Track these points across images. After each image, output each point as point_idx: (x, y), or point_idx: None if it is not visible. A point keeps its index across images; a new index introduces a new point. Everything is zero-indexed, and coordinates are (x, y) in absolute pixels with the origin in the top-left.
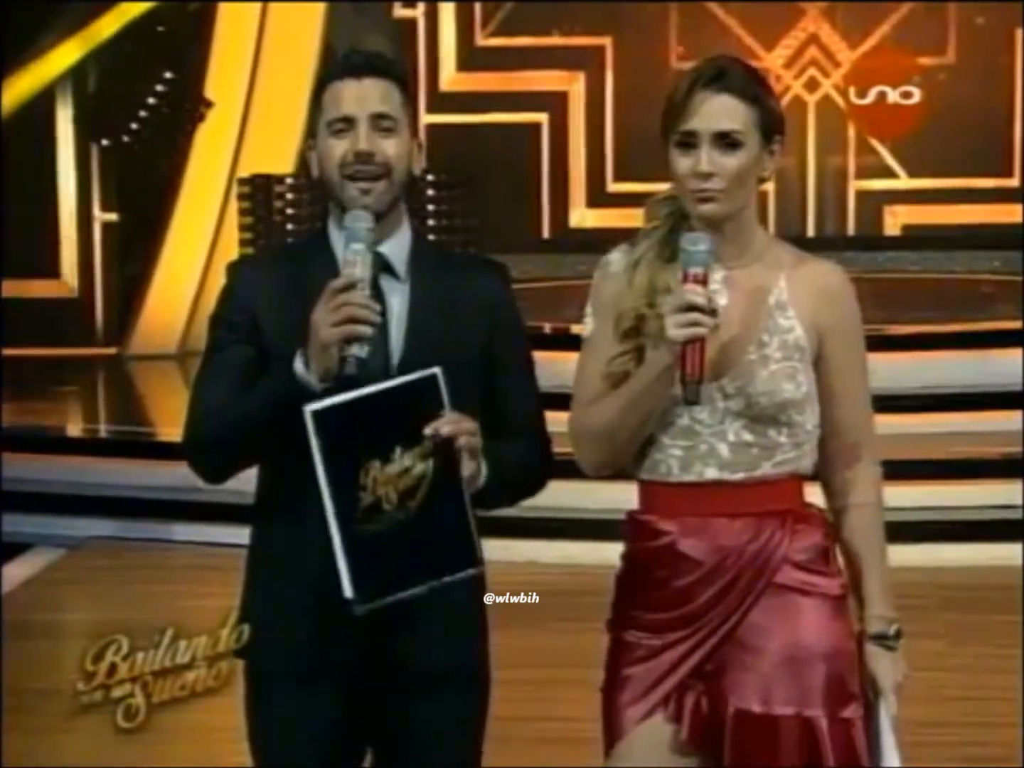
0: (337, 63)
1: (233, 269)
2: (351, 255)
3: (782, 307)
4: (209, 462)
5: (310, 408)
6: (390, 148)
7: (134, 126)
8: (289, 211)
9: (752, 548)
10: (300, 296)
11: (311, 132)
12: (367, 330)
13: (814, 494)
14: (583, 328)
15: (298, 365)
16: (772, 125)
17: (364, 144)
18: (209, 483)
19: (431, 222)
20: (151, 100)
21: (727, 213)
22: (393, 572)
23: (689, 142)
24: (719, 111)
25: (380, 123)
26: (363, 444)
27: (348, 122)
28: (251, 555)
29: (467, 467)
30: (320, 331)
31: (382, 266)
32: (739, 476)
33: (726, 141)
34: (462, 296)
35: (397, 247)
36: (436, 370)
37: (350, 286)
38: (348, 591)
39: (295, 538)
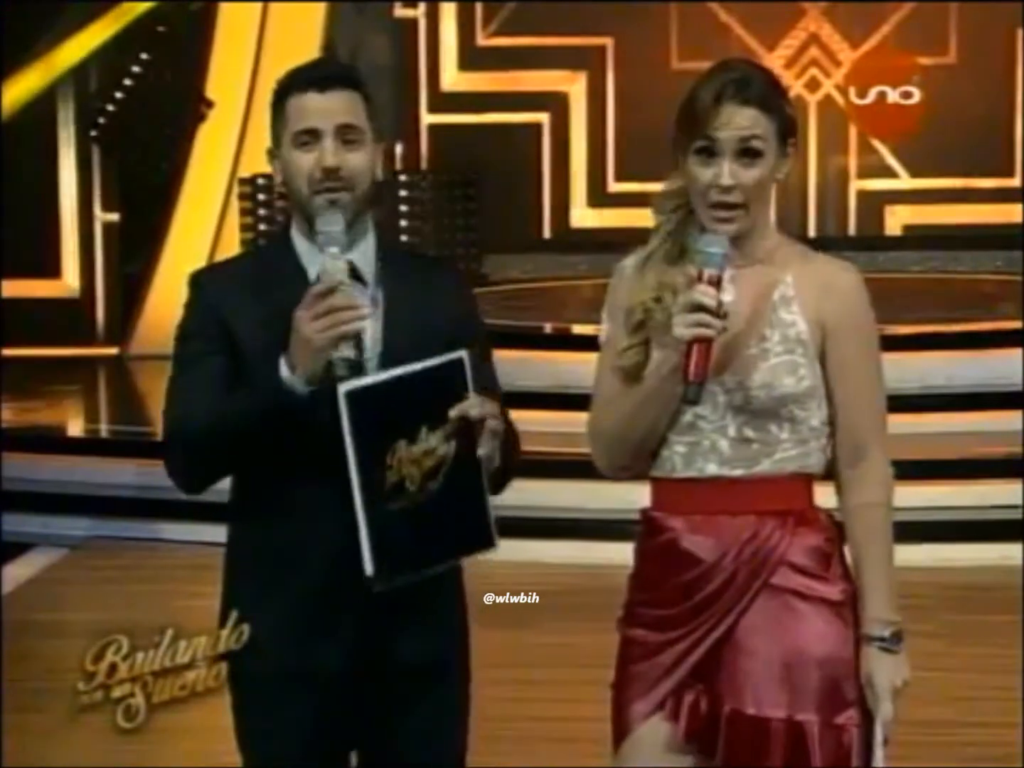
0: (298, 73)
1: (196, 279)
2: (327, 259)
3: (786, 302)
4: (190, 471)
5: (344, 388)
6: (355, 160)
7: (134, 126)
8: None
9: (750, 548)
10: (269, 302)
11: (274, 140)
12: (357, 326)
13: (826, 495)
14: (600, 332)
15: (284, 371)
16: (787, 130)
17: (331, 160)
18: (188, 493)
19: (432, 222)
20: (152, 100)
21: (743, 230)
22: (412, 551)
23: (711, 152)
24: (743, 124)
25: (345, 135)
26: (391, 424)
27: (313, 135)
28: (233, 555)
29: (488, 447)
30: (307, 336)
31: (350, 274)
32: (738, 472)
33: (748, 153)
34: (427, 296)
35: (364, 254)
36: (462, 353)
37: (331, 290)
38: (369, 569)
39: (285, 538)
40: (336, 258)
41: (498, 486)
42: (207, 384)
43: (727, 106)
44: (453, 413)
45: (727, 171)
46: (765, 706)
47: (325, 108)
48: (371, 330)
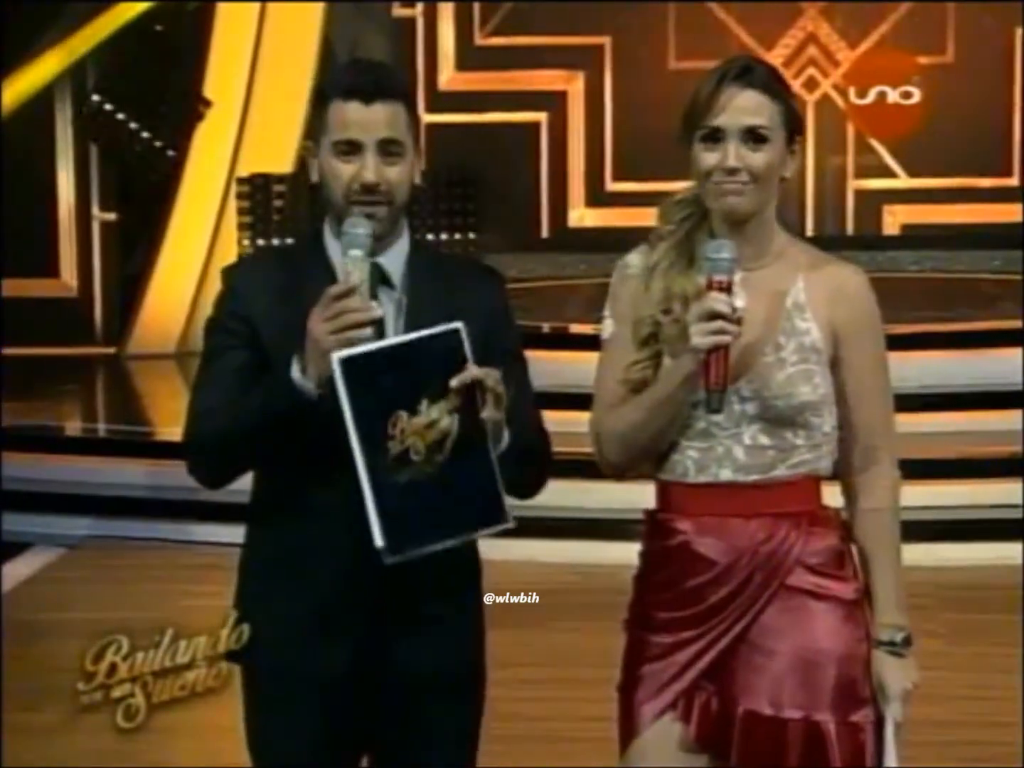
0: (343, 78)
1: (228, 273)
2: (349, 262)
3: (799, 308)
4: (208, 467)
5: (338, 355)
6: (395, 174)
7: (133, 126)
8: (288, 211)
9: (765, 549)
10: (296, 301)
11: (311, 136)
12: (366, 332)
13: (834, 494)
14: (602, 330)
15: (295, 371)
16: (794, 124)
17: (371, 176)
18: (208, 488)
19: (430, 222)
20: (150, 100)
21: (750, 209)
22: (422, 524)
23: (715, 137)
24: (746, 106)
25: (387, 148)
26: (390, 394)
27: (354, 146)
28: (246, 556)
29: (491, 411)
30: (318, 337)
31: (379, 277)
32: (753, 478)
33: (753, 136)
34: (458, 304)
35: (395, 258)
36: (459, 324)
37: (347, 292)
38: (378, 540)
39: (296, 541)
40: (357, 260)
41: (530, 488)
42: (226, 379)
43: (730, 89)
44: (453, 383)
45: (732, 153)
46: (781, 706)
47: (368, 121)
48: (393, 334)
